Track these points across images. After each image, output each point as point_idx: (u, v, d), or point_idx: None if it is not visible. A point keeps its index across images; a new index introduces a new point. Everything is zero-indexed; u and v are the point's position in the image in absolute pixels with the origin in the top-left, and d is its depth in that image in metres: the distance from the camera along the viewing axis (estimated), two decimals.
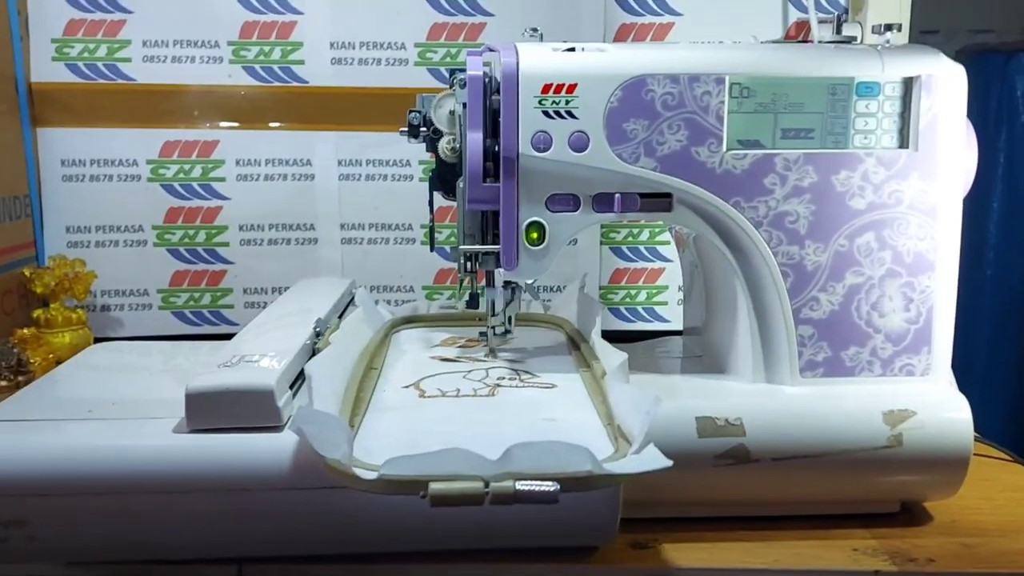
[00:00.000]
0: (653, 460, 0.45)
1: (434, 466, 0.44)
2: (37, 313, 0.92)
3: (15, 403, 0.58)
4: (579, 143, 0.57)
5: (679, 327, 1.04)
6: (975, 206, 0.59)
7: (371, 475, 0.44)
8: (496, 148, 0.60)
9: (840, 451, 0.56)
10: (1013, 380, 1.16)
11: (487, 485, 0.43)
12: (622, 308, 1.06)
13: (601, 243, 1.04)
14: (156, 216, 1.01)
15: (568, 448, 0.45)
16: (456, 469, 0.44)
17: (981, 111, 1.26)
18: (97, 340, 0.95)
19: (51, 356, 0.89)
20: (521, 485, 0.43)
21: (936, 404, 0.58)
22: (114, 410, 0.56)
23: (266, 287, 1.03)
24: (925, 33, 1.50)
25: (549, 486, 0.43)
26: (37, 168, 0.99)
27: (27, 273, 0.93)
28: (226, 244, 1.02)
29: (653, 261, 1.05)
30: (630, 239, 1.05)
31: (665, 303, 1.06)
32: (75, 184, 1.00)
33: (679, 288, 1.04)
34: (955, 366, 0.61)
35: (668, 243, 1.04)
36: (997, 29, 1.73)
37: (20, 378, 0.85)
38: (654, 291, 1.05)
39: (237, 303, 1.03)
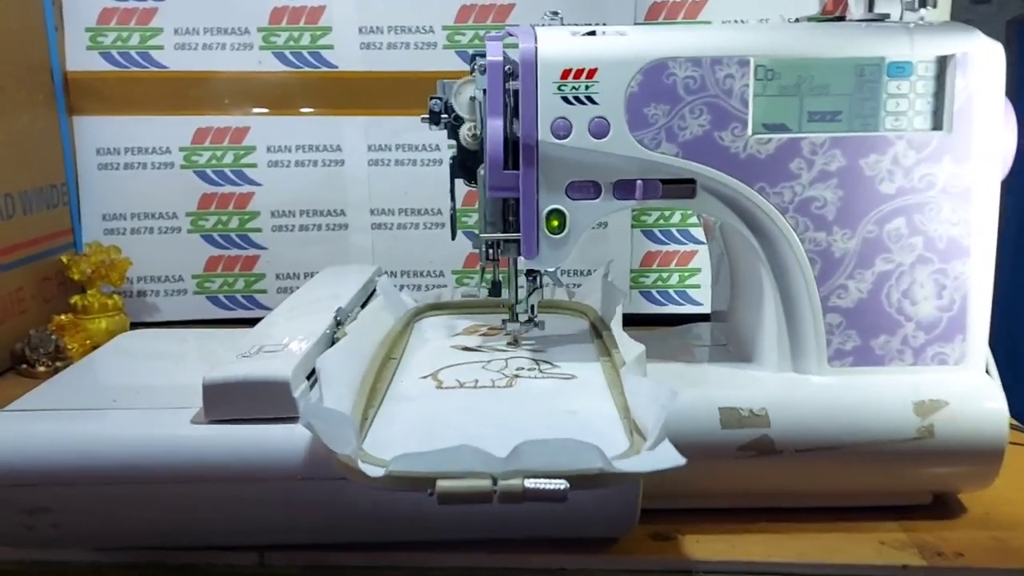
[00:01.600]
0: (667, 458, 0.44)
1: (442, 463, 0.43)
2: (74, 299, 0.94)
3: (42, 392, 0.59)
4: (599, 129, 0.56)
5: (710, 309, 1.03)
6: (1019, 188, 0.56)
7: (378, 472, 0.44)
8: (516, 136, 0.59)
9: (868, 443, 0.55)
10: None
11: (495, 483, 0.43)
12: (654, 291, 1.05)
13: (632, 226, 1.03)
14: (190, 203, 1.02)
15: (579, 445, 0.44)
16: (465, 466, 0.43)
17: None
18: (133, 326, 0.97)
19: (88, 342, 0.90)
20: (530, 483, 0.43)
21: (969, 394, 0.56)
22: (138, 399, 0.57)
23: (298, 272, 1.04)
24: (976, 3, 1.44)
25: (558, 485, 0.43)
26: (74, 157, 1.00)
27: (64, 260, 0.95)
28: (258, 230, 1.03)
29: (685, 244, 1.03)
30: (661, 222, 1.03)
31: (697, 286, 1.04)
32: (110, 172, 1.01)
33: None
34: (999, 353, 0.59)
35: (700, 225, 1.02)
36: None
37: (59, 363, 0.87)
38: (686, 274, 1.04)
39: (270, 288, 1.04)
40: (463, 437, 0.46)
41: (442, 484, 0.43)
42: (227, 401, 0.51)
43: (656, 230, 1.03)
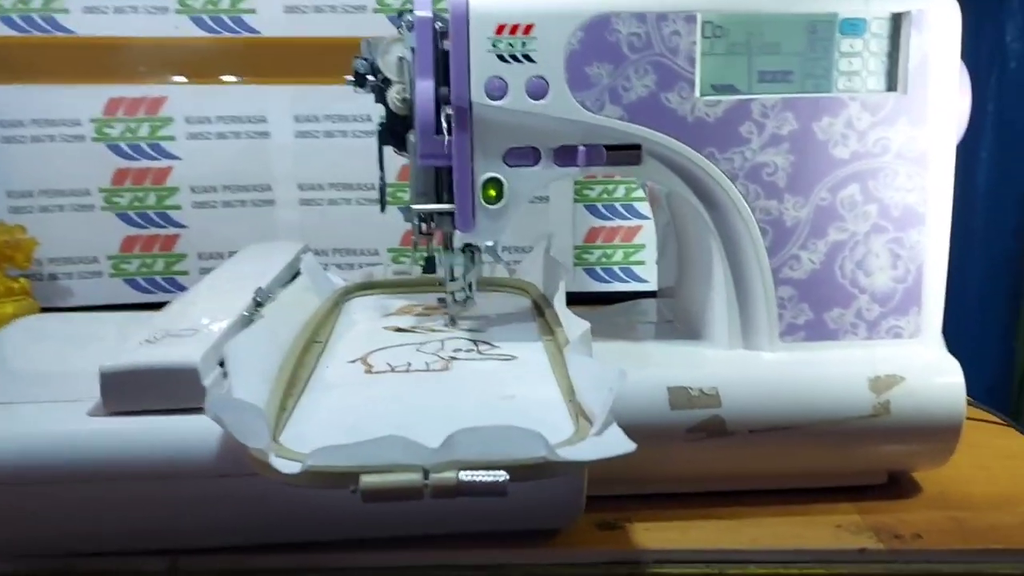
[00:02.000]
0: (615, 444, 0.40)
1: (367, 456, 0.39)
2: None
3: None
4: (537, 89, 0.52)
5: (655, 287, 1.00)
6: (965, 155, 0.54)
7: (294, 468, 0.39)
8: (448, 98, 0.55)
9: (823, 421, 0.52)
10: (1004, 338, 1.12)
11: (427, 476, 0.39)
12: (598, 268, 1.01)
13: (575, 200, 0.99)
14: (103, 178, 0.95)
15: (519, 432, 0.40)
16: (392, 459, 0.39)
17: (972, 56, 1.20)
18: (45, 311, 0.90)
19: None
20: (465, 475, 0.39)
21: (926, 368, 0.54)
22: (35, 390, 0.52)
23: (222, 251, 0.98)
24: None
25: (497, 476, 0.39)
26: None
27: None
28: (178, 207, 0.96)
29: (629, 219, 1.00)
30: (605, 196, 1.00)
31: (642, 263, 1.01)
32: (15, 145, 0.93)
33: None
34: (945, 326, 0.56)
35: (645, 199, 0.99)
36: None
37: None
38: (631, 250, 1.01)
39: (192, 269, 0.98)
40: (392, 428, 0.41)
41: (366, 480, 0.38)
42: (129, 391, 0.46)
43: (600, 204, 1.00)
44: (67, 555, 0.49)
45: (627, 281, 1.01)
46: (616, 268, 1.01)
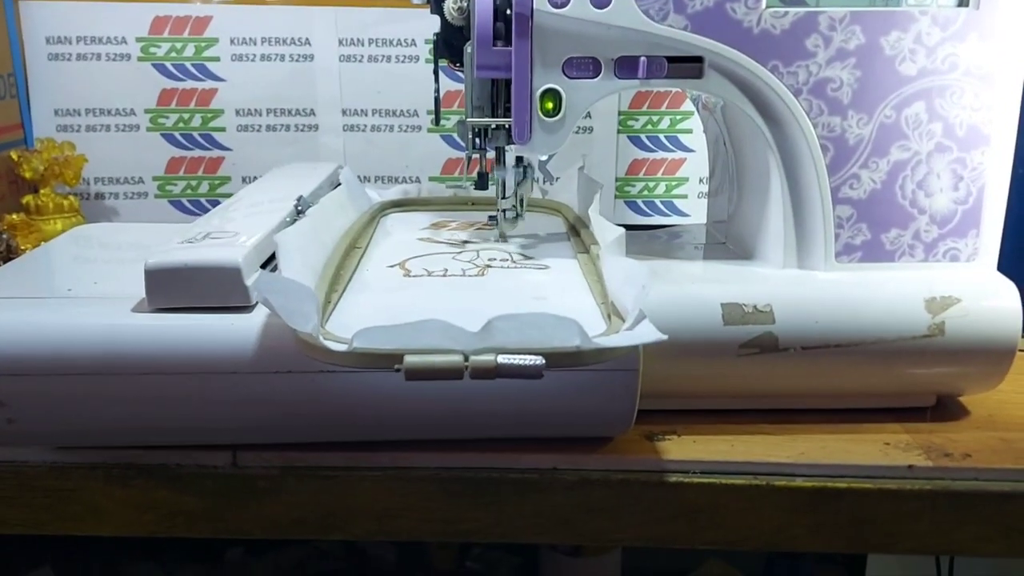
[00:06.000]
0: (646, 334, 0.41)
1: (410, 339, 0.40)
2: (27, 199, 0.88)
3: None
4: None
5: (699, 222, 1.00)
6: None
7: (341, 347, 0.40)
8: (508, 7, 0.54)
9: (877, 340, 0.52)
10: None
11: (466, 359, 0.40)
12: (639, 201, 1.01)
13: (618, 132, 0.98)
14: (148, 99, 0.95)
15: (555, 320, 0.41)
16: (433, 342, 0.40)
17: None
18: (84, 225, 0.91)
19: (42, 243, 0.85)
20: (503, 359, 0.40)
21: (982, 291, 0.54)
22: (93, 289, 0.53)
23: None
24: None
25: (533, 360, 0.40)
26: (21, 45, 0.93)
27: (15, 156, 0.88)
28: (222, 129, 0.96)
29: (673, 151, 0.99)
30: (649, 127, 0.99)
31: (685, 196, 1.00)
32: (62, 63, 0.94)
33: (699, 180, 0.99)
34: (1004, 250, 0.56)
35: (690, 131, 0.98)
36: None
37: None
38: (673, 183, 1.00)
39: (236, 192, 0.98)
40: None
41: (410, 359, 0.39)
42: (172, 288, 0.47)
43: (644, 136, 0.99)
44: (128, 447, 0.50)
45: (668, 215, 1.01)
46: (658, 201, 1.01)
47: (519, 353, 0.40)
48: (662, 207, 1.01)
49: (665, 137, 0.99)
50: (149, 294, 0.47)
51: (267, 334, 0.47)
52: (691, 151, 0.98)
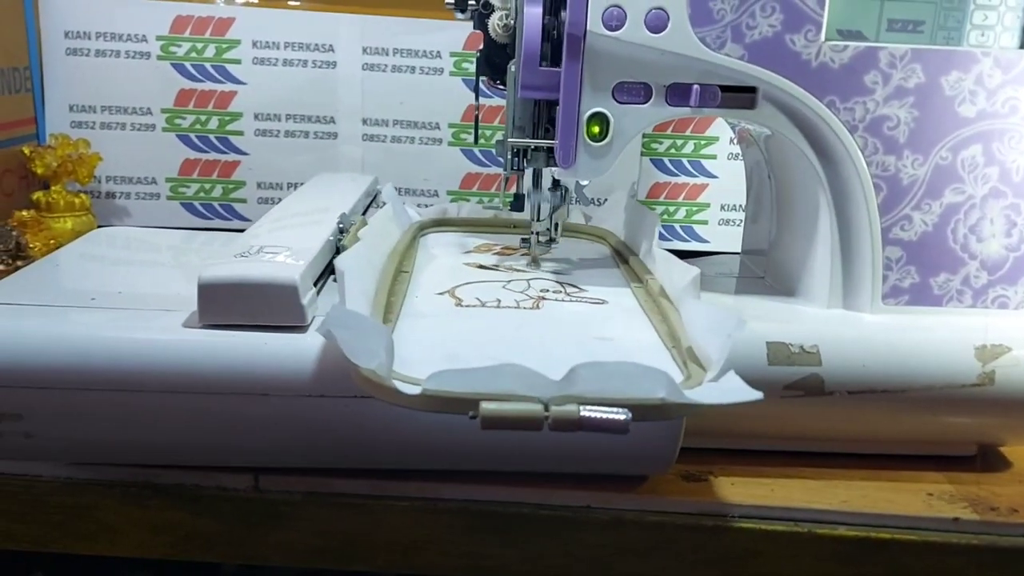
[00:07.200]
0: (740, 390, 0.39)
1: (487, 383, 0.37)
2: (37, 195, 0.85)
3: (10, 285, 0.52)
4: (657, 22, 0.50)
5: (718, 249, 0.98)
6: None
7: (414, 390, 0.38)
8: (556, 27, 0.53)
9: (925, 387, 0.51)
10: None
11: (547, 408, 0.38)
12: (659, 223, 0.99)
13: (642, 154, 0.97)
14: (166, 98, 0.93)
15: (642, 370, 0.38)
16: (511, 388, 0.38)
17: None
18: (101, 228, 0.89)
19: (52, 242, 0.82)
20: (587, 411, 0.37)
21: None
22: (119, 300, 0.51)
23: (281, 183, 0.96)
24: None
25: (619, 414, 0.37)
26: (39, 39, 0.90)
27: (27, 152, 0.86)
28: (240, 133, 0.95)
29: (696, 176, 0.98)
30: (673, 151, 0.97)
31: (705, 222, 0.99)
32: (79, 58, 0.92)
33: (721, 207, 0.98)
34: None
35: (714, 157, 0.96)
36: None
37: (19, 263, 0.79)
38: (694, 209, 0.99)
39: (250, 197, 0.96)
40: (492, 360, 0.40)
41: (487, 407, 0.37)
42: (226, 304, 0.45)
43: (667, 159, 0.97)
44: (146, 465, 0.48)
45: (687, 240, 0.99)
46: (677, 226, 0.99)
47: (601, 404, 0.37)
48: (682, 232, 0.99)
49: (688, 162, 0.98)
50: (202, 309, 0.45)
51: (322, 357, 0.45)
52: (714, 177, 0.97)
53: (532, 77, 0.53)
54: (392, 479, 0.49)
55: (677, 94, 0.52)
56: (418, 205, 0.95)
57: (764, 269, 0.63)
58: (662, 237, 0.98)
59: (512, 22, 0.56)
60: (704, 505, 0.50)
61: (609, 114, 0.52)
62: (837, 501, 0.50)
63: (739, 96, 0.52)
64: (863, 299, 0.54)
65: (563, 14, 0.51)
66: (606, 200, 0.87)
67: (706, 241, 0.99)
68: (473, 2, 0.58)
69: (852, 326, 0.53)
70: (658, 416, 0.38)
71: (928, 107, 0.51)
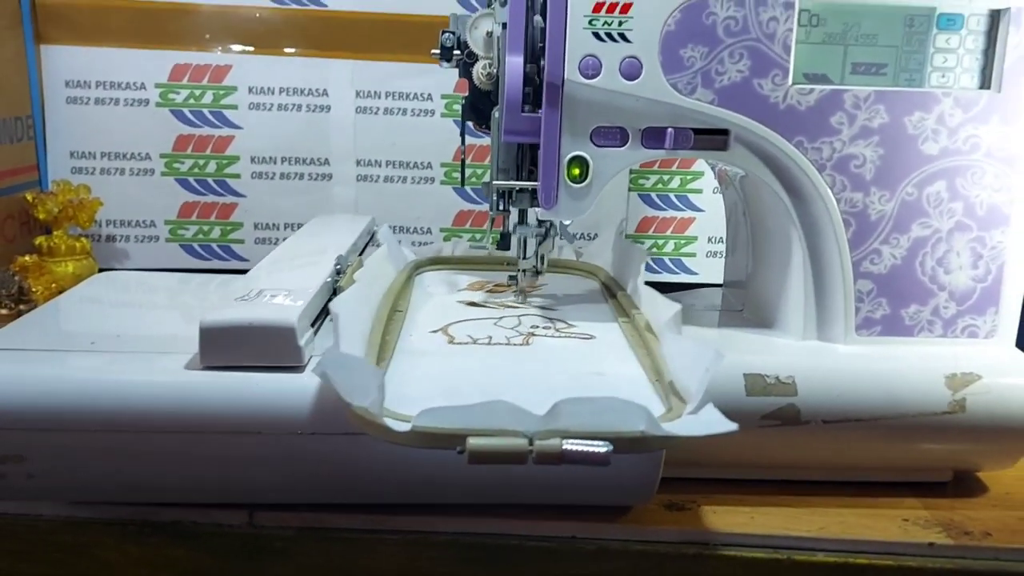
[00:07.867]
0: (717, 423, 0.41)
1: (473, 419, 0.39)
2: (39, 240, 0.88)
3: (14, 331, 0.54)
4: (631, 70, 0.52)
5: (706, 280, 1.00)
6: None
7: (404, 427, 0.40)
8: (537, 74, 0.55)
9: (898, 415, 0.52)
10: None
11: (531, 443, 0.39)
12: (648, 259, 1.01)
13: (629, 189, 0.99)
14: (164, 144, 0.96)
15: (623, 405, 0.40)
16: (498, 423, 0.39)
17: None
18: (101, 271, 0.91)
19: (54, 285, 0.85)
20: (569, 444, 0.39)
21: (1003, 368, 0.54)
22: (119, 343, 0.53)
23: (278, 223, 0.99)
24: None
25: (600, 446, 0.39)
26: (40, 88, 0.93)
27: (29, 198, 0.88)
28: (237, 176, 0.97)
29: (683, 210, 1.00)
30: (660, 186, 1.00)
31: (693, 255, 1.01)
32: (80, 107, 0.95)
33: (708, 240, 1.00)
34: (1022, 327, 0.56)
35: (700, 191, 0.99)
36: None
37: (22, 307, 0.81)
38: (682, 242, 1.01)
39: (247, 238, 0.99)
40: (485, 396, 0.42)
41: (473, 442, 0.39)
42: (227, 346, 0.47)
43: (654, 194, 1.00)
44: (145, 504, 0.50)
45: (676, 272, 1.02)
46: (666, 259, 1.01)
47: (584, 438, 0.39)
48: (671, 265, 1.02)
49: (675, 196, 1.00)
50: (203, 352, 0.47)
51: (318, 395, 0.47)
52: (700, 210, 0.99)
53: (515, 122, 0.55)
54: (384, 513, 0.51)
55: (652, 137, 0.54)
56: (412, 243, 0.98)
57: (743, 302, 0.65)
58: (652, 270, 1.01)
59: (495, 70, 0.59)
60: (687, 534, 0.51)
61: (588, 157, 0.55)
62: (815, 528, 0.52)
63: (712, 138, 0.54)
64: (837, 331, 0.56)
65: (542, 63, 0.53)
66: (596, 236, 0.89)
67: (695, 273, 1.01)
68: (458, 52, 0.60)
69: (826, 357, 0.55)
70: (638, 448, 0.40)
71: (893, 145, 0.53)
